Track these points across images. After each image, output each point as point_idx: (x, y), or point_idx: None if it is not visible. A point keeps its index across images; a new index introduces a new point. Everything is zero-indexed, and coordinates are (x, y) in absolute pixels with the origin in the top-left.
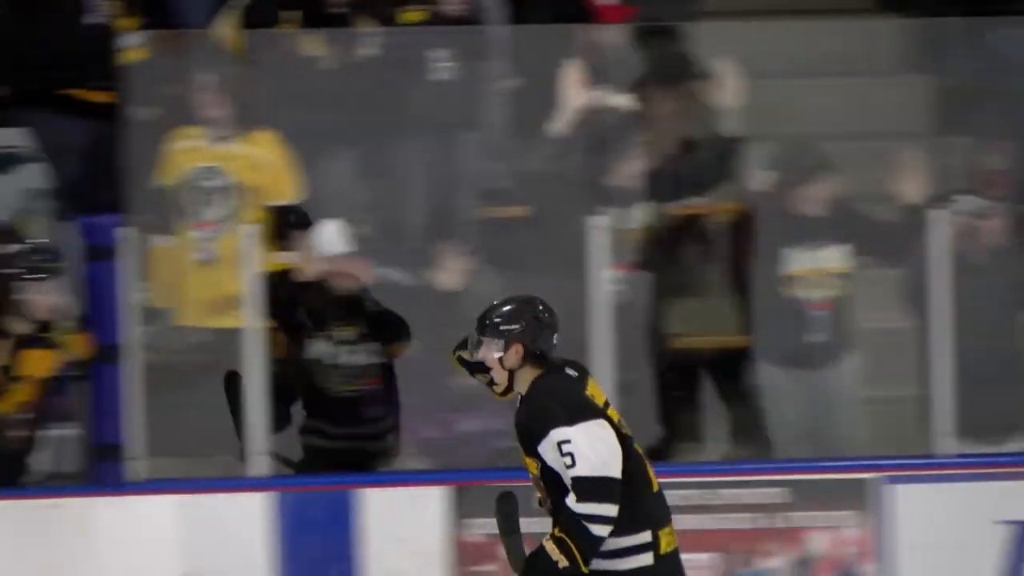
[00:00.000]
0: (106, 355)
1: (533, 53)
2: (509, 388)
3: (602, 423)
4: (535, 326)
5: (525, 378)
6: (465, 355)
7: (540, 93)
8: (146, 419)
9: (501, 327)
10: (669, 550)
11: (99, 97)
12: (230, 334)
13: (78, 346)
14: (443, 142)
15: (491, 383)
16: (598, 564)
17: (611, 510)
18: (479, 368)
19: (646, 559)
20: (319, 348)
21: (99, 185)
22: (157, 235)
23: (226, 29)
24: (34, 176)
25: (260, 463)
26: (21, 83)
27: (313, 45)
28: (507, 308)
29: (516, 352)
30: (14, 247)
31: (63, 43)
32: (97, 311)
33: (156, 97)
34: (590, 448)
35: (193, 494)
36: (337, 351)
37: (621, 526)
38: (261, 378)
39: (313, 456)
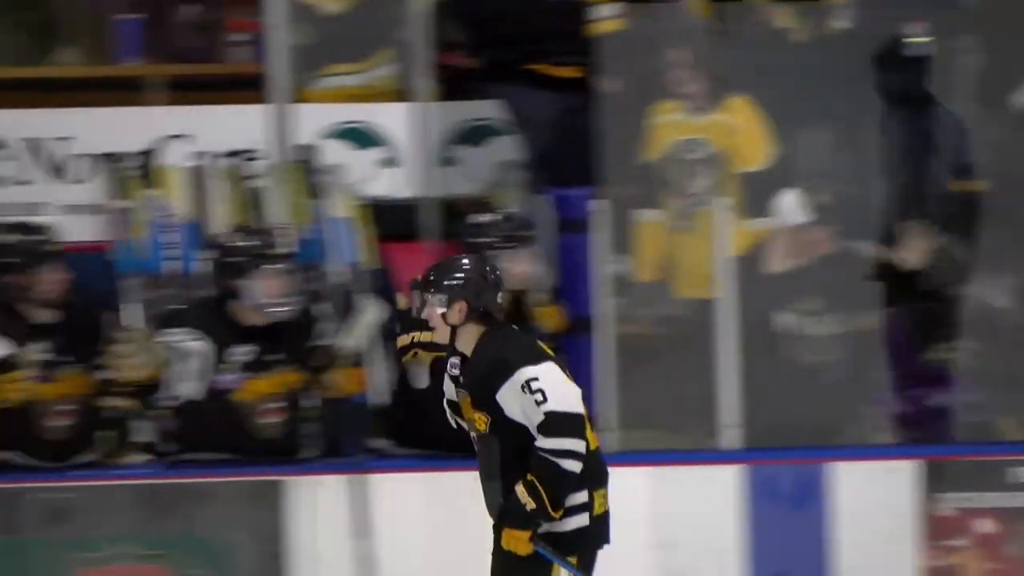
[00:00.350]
0: (578, 327)
1: (1002, 26)
2: (452, 347)
3: (560, 368)
4: (479, 283)
5: (469, 336)
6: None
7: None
8: (619, 391)
9: (444, 283)
10: (602, 511)
11: (566, 72)
12: (703, 305)
13: (551, 318)
14: (914, 116)
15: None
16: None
17: (580, 445)
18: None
19: (582, 519)
20: (785, 319)
21: (570, 158)
22: (639, 208)
23: (696, 1)
24: (507, 148)
25: (731, 436)
26: (494, 56)
27: (784, 18)
28: (451, 265)
29: (460, 309)
30: (487, 217)
31: (535, 16)
32: (569, 283)
33: (627, 69)
34: (560, 384)
35: (665, 466)
36: (803, 322)
37: None
38: (734, 350)
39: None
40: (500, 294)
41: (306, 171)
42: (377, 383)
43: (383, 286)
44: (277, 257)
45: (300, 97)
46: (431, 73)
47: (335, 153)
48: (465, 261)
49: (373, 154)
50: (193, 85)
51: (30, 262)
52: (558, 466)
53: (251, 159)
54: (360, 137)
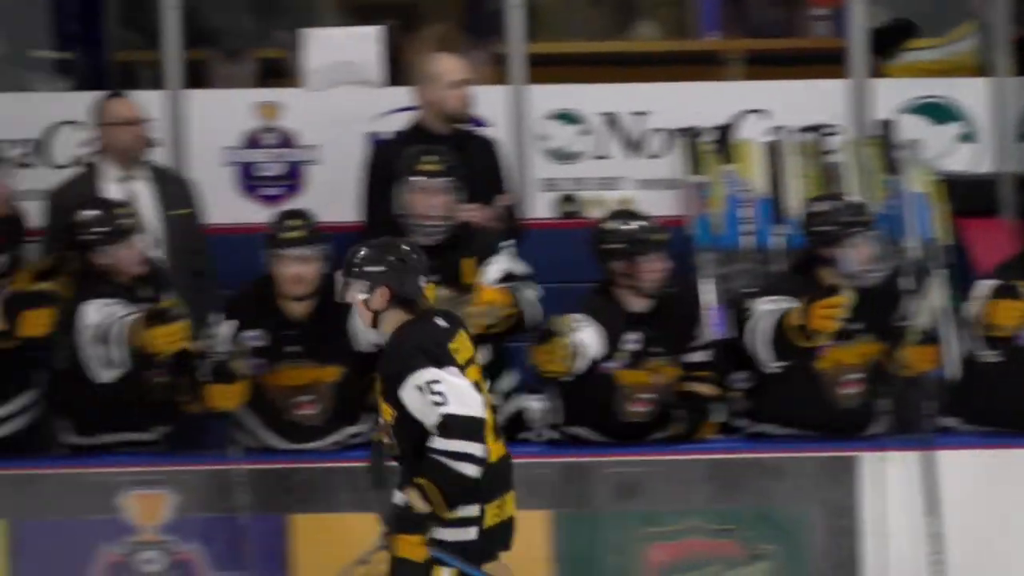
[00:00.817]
0: None
1: None
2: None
3: (462, 376)
4: (400, 268)
5: (391, 322)
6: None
7: None
8: None
9: (365, 268)
10: (495, 523)
11: None
12: None
13: None
14: None
15: None
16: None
17: (480, 450)
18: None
19: (470, 533)
20: None
21: None
22: None
23: None
24: None
25: None
26: None
27: None
28: (371, 250)
29: (382, 295)
30: None
31: None
32: None
33: None
34: (461, 387)
35: None
36: None
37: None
38: None
39: None
40: (421, 278)
41: (883, 146)
42: (949, 360)
43: (957, 262)
44: (869, 224)
45: (879, 72)
46: (1010, 48)
47: (912, 128)
48: (387, 246)
49: (951, 129)
50: (771, 59)
51: (635, 250)
52: (451, 469)
53: (828, 134)
54: (938, 112)
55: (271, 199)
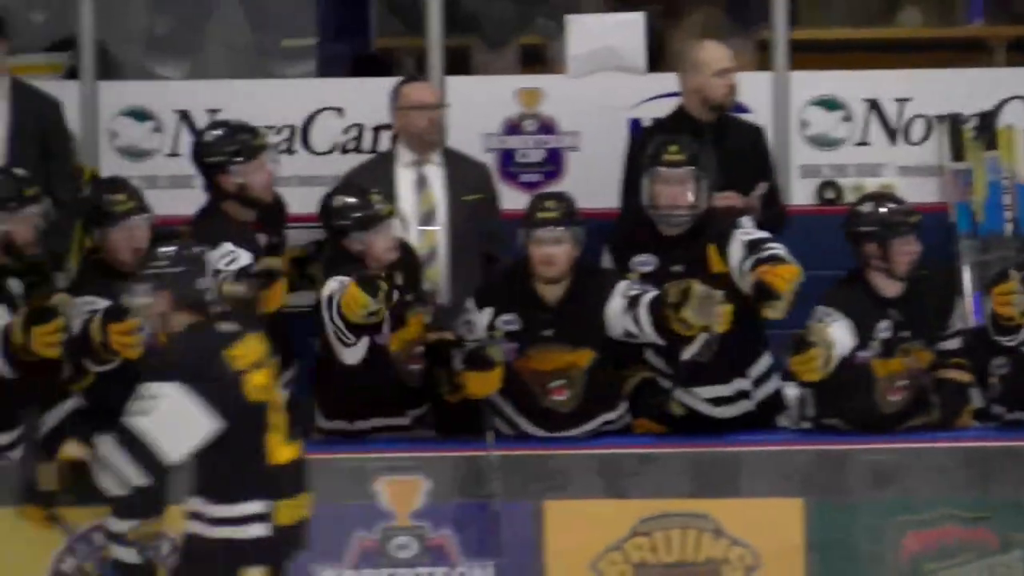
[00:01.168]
0: None
1: None
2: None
3: (203, 404)
4: (181, 271)
5: (178, 324)
6: None
7: None
8: None
9: (148, 271)
10: (291, 522)
11: None
12: None
13: None
14: None
15: None
16: (221, 531)
17: (131, 475)
18: None
19: (261, 530)
20: None
21: None
22: None
23: None
24: None
25: None
26: None
27: None
28: (159, 251)
29: (163, 297)
30: None
31: None
32: None
33: None
34: (169, 417)
35: None
36: None
37: (234, 492)
38: None
39: None
40: (203, 281)
41: None
42: None
43: None
44: None
45: None
46: None
47: None
48: (177, 247)
49: None
50: None
51: (888, 233)
52: (96, 471)
53: None
54: None
55: (531, 185)
